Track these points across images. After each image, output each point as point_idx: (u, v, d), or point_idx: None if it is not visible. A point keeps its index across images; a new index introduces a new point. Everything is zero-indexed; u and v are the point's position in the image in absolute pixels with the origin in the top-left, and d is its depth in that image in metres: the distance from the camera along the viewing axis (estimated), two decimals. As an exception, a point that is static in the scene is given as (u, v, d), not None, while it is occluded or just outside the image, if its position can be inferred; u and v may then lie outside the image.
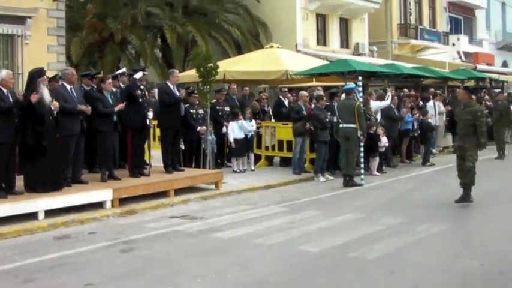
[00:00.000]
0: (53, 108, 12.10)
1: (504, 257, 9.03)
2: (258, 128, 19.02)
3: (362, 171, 16.39)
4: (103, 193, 12.72)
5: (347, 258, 8.99)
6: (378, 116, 19.20)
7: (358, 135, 16.12)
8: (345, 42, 38.03)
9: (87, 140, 13.65)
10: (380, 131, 18.31)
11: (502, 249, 9.55)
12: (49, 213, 11.61)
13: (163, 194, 13.94)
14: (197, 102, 17.15)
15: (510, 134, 26.55)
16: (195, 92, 17.53)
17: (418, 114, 20.87)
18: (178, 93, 15.22)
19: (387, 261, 8.83)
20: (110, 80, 14.05)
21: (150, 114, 14.47)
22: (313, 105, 17.70)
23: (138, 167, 14.46)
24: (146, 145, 14.96)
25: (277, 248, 9.65)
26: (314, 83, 24.55)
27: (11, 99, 11.64)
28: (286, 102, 19.57)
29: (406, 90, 24.42)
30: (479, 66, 38.28)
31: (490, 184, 15.29)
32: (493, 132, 22.25)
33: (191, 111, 16.68)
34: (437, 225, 11.11)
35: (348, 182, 16.03)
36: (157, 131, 17.53)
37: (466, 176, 13.16)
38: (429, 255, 9.08)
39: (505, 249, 9.51)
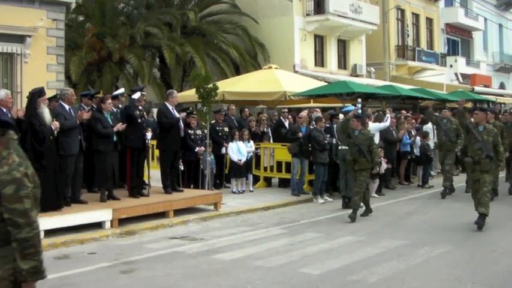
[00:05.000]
0: (53, 127, 12.10)
1: (505, 280, 9.04)
2: (256, 149, 19.03)
3: (361, 193, 16.38)
4: (102, 213, 12.71)
5: (348, 281, 8.95)
6: (377, 138, 19.18)
7: (357, 157, 16.14)
8: (342, 63, 38.25)
9: (87, 159, 13.65)
10: (380, 153, 18.31)
11: (503, 271, 9.55)
12: (48, 233, 11.57)
13: (162, 215, 13.93)
14: (195, 123, 17.16)
15: None
16: (194, 112, 17.56)
17: (415, 137, 20.92)
18: (177, 115, 15.23)
19: (388, 284, 8.80)
20: (109, 100, 14.05)
21: (149, 135, 14.47)
22: (312, 127, 17.74)
23: (137, 187, 14.45)
24: (145, 165, 14.96)
25: (278, 271, 9.61)
26: (312, 104, 24.65)
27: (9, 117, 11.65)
28: (286, 124, 19.59)
29: (403, 111, 24.44)
30: (477, 88, 38.38)
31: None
32: None
33: (189, 131, 16.69)
34: (438, 248, 11.09)
35: (347, 204, 16.01)
36: (156, 151, 17.52)
37: None
38: (431, 279, 9.06)
39: (506, 272, 9.50)
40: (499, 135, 16.61)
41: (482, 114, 13.50)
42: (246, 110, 21.95)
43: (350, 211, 15.52)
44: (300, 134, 17.62)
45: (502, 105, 37.55)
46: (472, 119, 14.31)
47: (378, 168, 15.33)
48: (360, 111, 17.18)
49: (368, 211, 14.91)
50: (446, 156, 18.59)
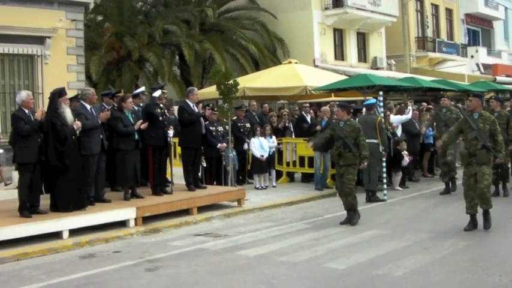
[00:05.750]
0: (75, 127, 12.13)
1: (533, 272, 8.94)
2: (278, 144, 19.00)
3: (385, 186, 16.32)
4: (126, 212, 12.74)
5: (374, 275, 8.89)
6: (399, 131, 19.10)
7: (380, 151, 16.07)
8: (362, 56, 38.08)
9: (109, 158, 13.69)
10: (403, 146, 18.24)
11: (531, 264, 9.46)
12: (73, 232, 11.65)
13: (185, 212, 13.94)
14: (216, 119, 17.15)
15: None
16: (215, 109, 17.55)
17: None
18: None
19: (414, 277, 8.73)
20: (130, 99, 14.09)
21: (171, 132, 14.46)
22: (333, 120, 17.66)
23: (160, 185, 14.47)
24: (168, 163, 14.97)
25: (303, 266, 9.57)
26: (333, 98, 24.53)
27: (32, 119, 11.71)
28: (308, 118, 19.52)
29: (424, 104, 24.28)
30: (499, 78, 38.13)
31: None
32: None
33: (211, 128, 16.70)
34: (463, 240, 11.00)
35: (371, 198, 15.97)
36: (178, 149, 17.52)
37: None
38: (457, 271, 8.96)
39: (533, 264, 9.42)
40: (506, 124, 15.92)
41: (476, 101, 12.18)
42: (266, 105, 21.91)
43: (374, 205, 15.53)
44: (318, 127, 17.56)
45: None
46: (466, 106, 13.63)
47: (365, 163, 13.28)
48: (381, 104, 17.03)
49: (354, 217, 13.20)
50: (448, 148, 17.16)
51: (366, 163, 13.27)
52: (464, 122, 12.08)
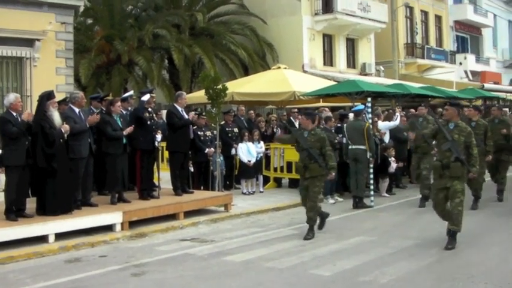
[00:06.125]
0: (63, 131, 12.11)
1: (518, 280, 8.99)
2: (266, 149, 19.01)
3: (372, 192, 16.35)
4: (113, 216, 12.70)
5: (360, 281, 8.92)
6: (387, 137, 19.15)
7: (368, 157, 16.10)
8: (351, 62, 38.22)
9: (97, 162, 13.67)
10: (391, 152, 18.27)
11: (516, 271, 9.51)
12: (59, 236, 11.61)
13: (172, 217, 13.92)
14: (204, 124, 17.15)
15: None
16: (203, 113, 17.55)
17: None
18: (186, 116, 15.20)
19: (400, 285, 8.76)
20: (119, 103, 14.07)
21: (159, 137, 14.44)
22: (321, 126, 17.69)
23: (148, 189, 14.45)
24: (155, 167, 14.96)
25: (289, 272, 9.59)
26: (321, 104, 24.59)
27: (19, 121, 11.70)
28: (296, 124, 19.54)
29: (412, 110, 24.32)
30: (487, 85, 38.32)
31: (502, 206, 15.27)
32: None
33: (199, 133, 16.69)
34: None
35: (358, 204, 15.99)
36: (166, 153, 17.52)
37: None
38: (443, 278, 9.00)
39: (518, 272, 9.47)
40: (484, 134, 15.36)
41: (453, 110, 11.44)
42: (251, 112, 21.90)
43: (361, 211, 15.55)
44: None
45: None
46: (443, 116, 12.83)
47: (333, 174, 12.55)
48: (369, 110, 17.07)
49: (322, 223, 12.88)
50: (423, 159, 16.45)
51: (333, 173, 12.56)
52: (439, 131, 11.44)
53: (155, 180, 15.11)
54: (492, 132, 15.94)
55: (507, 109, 27.29)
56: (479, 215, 14.37)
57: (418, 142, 16.32)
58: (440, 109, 24.11)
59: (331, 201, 16.94)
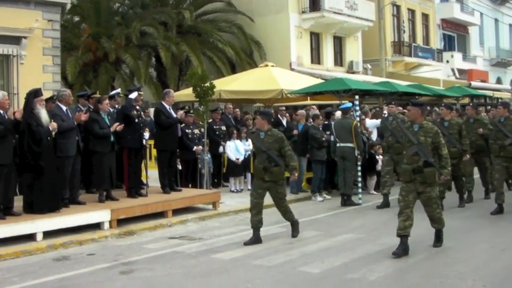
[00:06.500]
0: (51, 128, 12.06)
1: (506, 277, 9.03)
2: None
3: (360, 190, 16.39)
4: (101, 214, 12.68)
5: (348, 279, 8.94)
6: (374, 135, 19.19)
7: (356, 155, 16.12)
8: (339, 60, 38.24)
9: (84, 160, 13.62)
10: (379, 150, 18.30)
11: (504, 267, 9.56)
12: (47, 234, 11.57)
13: (160, 215, 13.92)
14: (192, 121, 17.13)
15: None
16: (191, 111, 17.53)
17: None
18: (174, 114, 15.17)
19: (389, 282, 8.79)
20: (107, 101, 14.04)
21: (146, 135, 14.43)
22: (309, 124, 17.74)
23: (135, 187, 14.42)
24: (143, 165, 14.93)
25: (277, 269, 9.60)
26: (308, 102, 24.61)
27: (6, 118, 11.64)
28: (284, 122, 19.54)
29: (400, 108, 24.34)
30: (474, 83, 38.42)
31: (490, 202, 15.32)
32: None
33: (187, 131, 16.68)
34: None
35: (346, 202, 16.03)
36: (154, 151, 17.49)
37: None
38: (431, 276, 9.02)
39: (506, 268, 9.52)
40: (458, 133, 14.80)
41: (416, 110, 10.61)
42: (237, 110, 21.86)
43: (349, 208, 15.57)
44: (295, 132, 17.62)
45: (499, 100, 37.59)
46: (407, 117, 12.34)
47: (295, 175, 12.00)
48: (357, 107, 17.10)
49: (296, 230, 12.25)
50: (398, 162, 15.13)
51: (296, 174, 12.00)
52: (401, 135, 10.75)
53: (143, 178, 15.08)
54: (468, 133, 15.43)
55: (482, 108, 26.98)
56: (467, 213, 14.43)
57: (389, 142, 15.83)
58: (428, 107, 23.92)
59: (319, 198, 16.99)
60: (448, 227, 12.52)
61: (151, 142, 16.21)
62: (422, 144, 10.31)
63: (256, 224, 11.68)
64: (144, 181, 15.01)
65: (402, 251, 10.24)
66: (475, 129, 16.19)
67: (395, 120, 15.36)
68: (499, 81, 54.72)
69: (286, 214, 12.17)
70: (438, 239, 10.97)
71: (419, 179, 10.36)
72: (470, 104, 20.33)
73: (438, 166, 10.38)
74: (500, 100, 36.12)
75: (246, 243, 11.38)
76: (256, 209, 11.74)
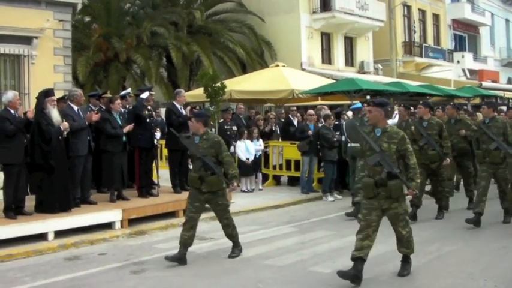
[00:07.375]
0: (62, 128, 12.09)
1: (517, 277, 9.00)
2: (265, 147, 19.01)
3: (370, 190, 16.30)
4: (112, 214, 12.71)
5: (360, 279, 8.92)
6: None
7: (367, 155, 16.03)
8: (349, 60, 38.19)
9: (95, 160, 13.65)
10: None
11: (514, 268, 9.53)
12: (58, 234, 11.60)
13: (172, 214, 13.93)
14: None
15: None
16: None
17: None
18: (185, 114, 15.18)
19: (400, 282, 8.77)
20: (118, 101, 14.06)
21: (158, 134, 14.43)
22: (320, 125, 17.73)
23: (147, 187, 14.43)
24: (154, 165, 14.94)
25: (289, 269, 9.59)
26: (319, 102, 24.60)
27: (17, 117, 11.68)
28: (295, 122, 19.52)
29: (411, 108, 24.27)
30: (485, 84, 38.30)
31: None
32: None
33: (198, 131, 16.63)
34: (447, 245, 11.06)
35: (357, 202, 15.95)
36: (165, 151, 17.50)
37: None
38: (442, 276, 9.01)
39: (517, 269, 9.48)
40: (438, 135, 13.50)
41: (378, 112, 8.79)
42: (252, 110, 21.89)
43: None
44: (310, 132, 17.60)
45: (511, 100, 37.51)
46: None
47: (235, 184, 10.35)
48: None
49: (238, 249, 10.71)
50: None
51: (235, 183, 10.40)
52: (364, 141, 8.97)
53: (154, 178, 15.09)
54: (450, 134, 14.20)
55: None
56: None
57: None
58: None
59: (330, 198, 16.97)
60: (456, 228, 12.56)
61: (163, 142, 16.21)
62: (385, 153, 8.63)
63: (186, 240, 10.11)
64: (155, 181, 15.02)
65: (351, 276, 8.55)
66: (457, 130, 15.04)
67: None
68: (510, 81, 54.54)
69: (230, 228, 10.55)
70: (405, 266, 9.17)
71: (384, 194, 8.69)
72: (451, 104, 18.41)
73: (405, 178, 8.69)
74: (511, 100, 36.09)
75: (167, 258, 9.99)
76: (189, 224, 10.19)
